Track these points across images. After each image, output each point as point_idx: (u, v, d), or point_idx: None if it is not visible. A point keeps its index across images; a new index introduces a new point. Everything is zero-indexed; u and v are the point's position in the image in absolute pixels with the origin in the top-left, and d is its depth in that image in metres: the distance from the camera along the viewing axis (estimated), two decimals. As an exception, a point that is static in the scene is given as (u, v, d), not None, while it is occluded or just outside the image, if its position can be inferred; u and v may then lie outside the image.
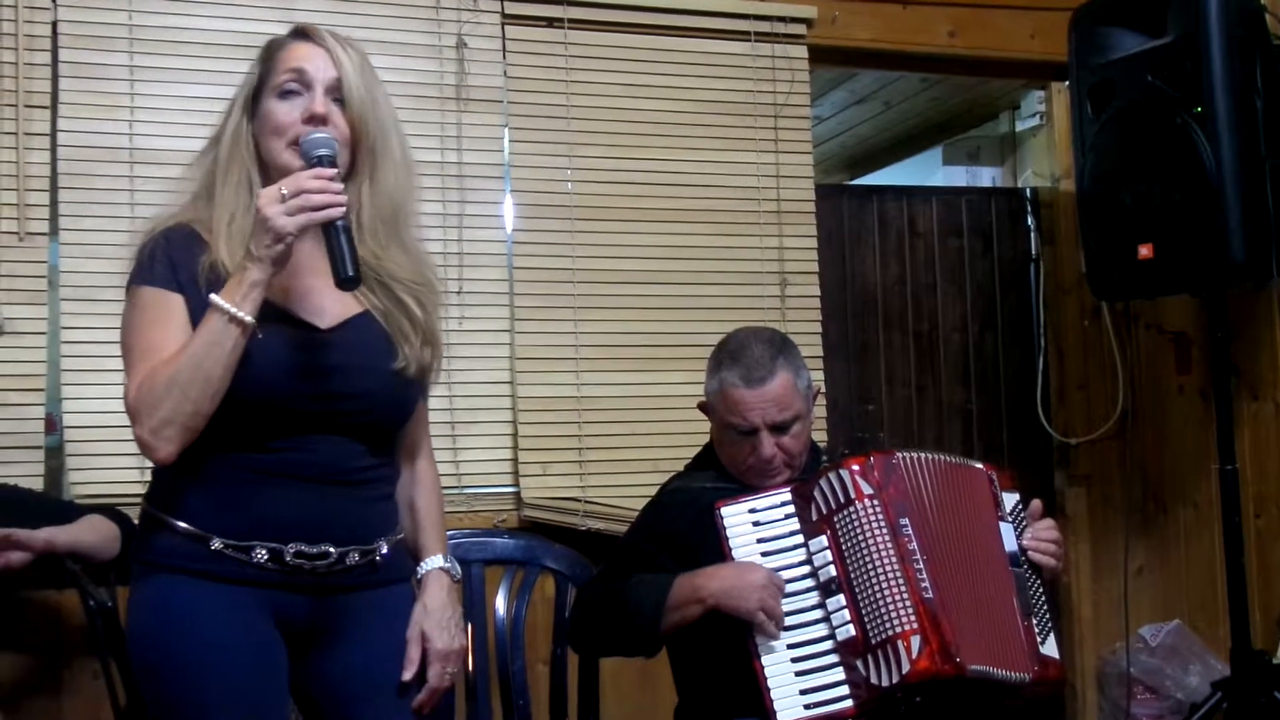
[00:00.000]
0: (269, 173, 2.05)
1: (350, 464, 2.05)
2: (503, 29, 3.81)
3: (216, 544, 1.97)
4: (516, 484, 3.71)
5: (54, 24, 3.40)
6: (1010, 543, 2.51)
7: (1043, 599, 2.52)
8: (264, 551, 1.98)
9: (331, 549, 2.02)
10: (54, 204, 3.38)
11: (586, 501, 3.71)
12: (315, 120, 2.01)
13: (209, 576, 1.97)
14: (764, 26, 4.04)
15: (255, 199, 1.99)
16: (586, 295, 3.81)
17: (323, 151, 1.97)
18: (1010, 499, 2.57)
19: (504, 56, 3.81)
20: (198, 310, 1.95)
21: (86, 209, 3.39)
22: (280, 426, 1.98)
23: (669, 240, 3.91)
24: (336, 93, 2.05)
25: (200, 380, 1.89)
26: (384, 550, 2.10)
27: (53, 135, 3.37)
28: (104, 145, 3.41)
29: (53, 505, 3.05)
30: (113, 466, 3.34)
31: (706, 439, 2.78)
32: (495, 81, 3.79)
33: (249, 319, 1.90)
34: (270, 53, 2.10)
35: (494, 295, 3.73)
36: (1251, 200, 3.42)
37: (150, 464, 2.04)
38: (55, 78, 3.39)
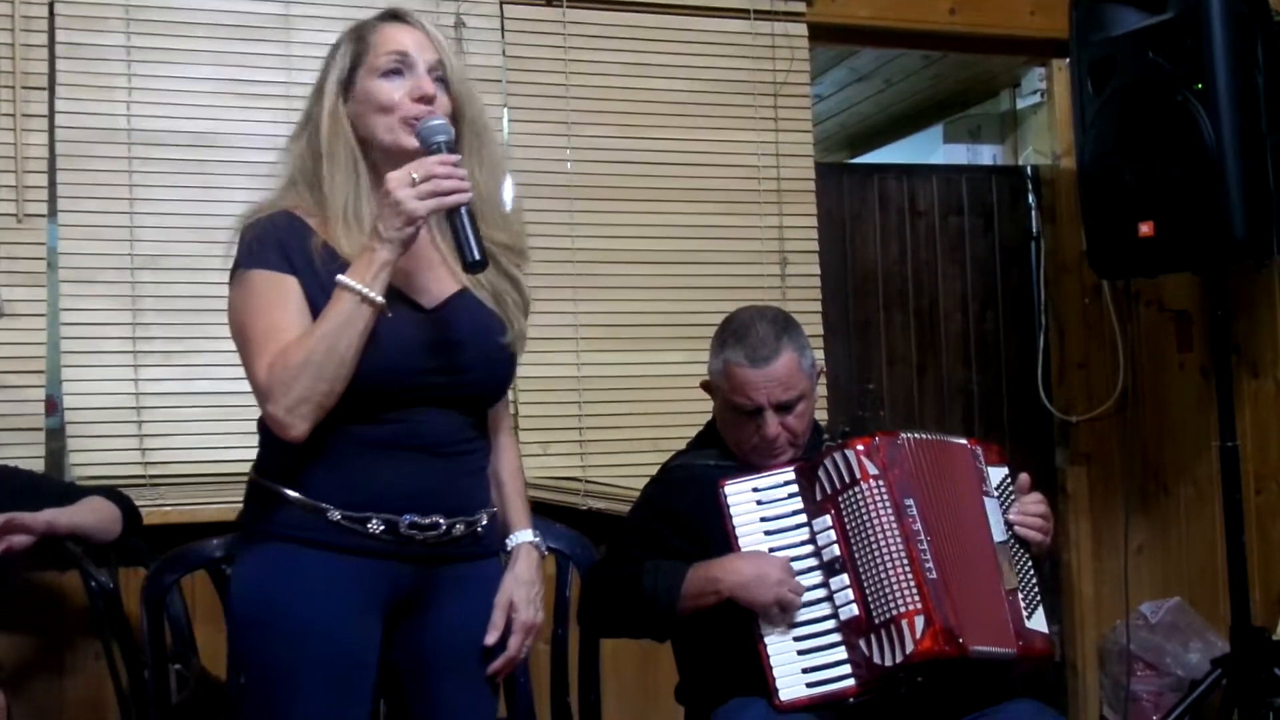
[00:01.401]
0: (370, 152, 2.08)
1: (456, 435, 2.10)
2: (501, 9, 3.79)
3: (335, 515, 2.00)
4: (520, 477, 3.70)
5: (51, 5, 3.39)
6: (995, 517, 2.50)
7: (1030, 573, 2.52)
8: (380, 523, 2.01)
9: (442, 520, 2.05)
10: (52, 186, 3.37)
11: (587, 481, 3.71)
12: (425, 100, 2.05)
13: (327, 546, 2.00)
14: (763, 4, 4.02)
15: (361, 182, 2.05)
16: (586, 275, 3.81)
17: (441, 137, 2.01)
18: (998, 473, 2.57)
19: (502, 36, 3.79)
20: (314, 291, 1.99)
21: (85, 190, 3.39)
22: (396, 401, 2.03)
23: (669, 220, 3.90)
24: (437, 73, 2.09)
25: (335, 360, 1.92)
26: (484, 522, 2.15)
27: (50, 117, 3.37)
28: (101, 127, 3.41)
29: (54, 487, 3.05)
30: (113, 448, 3.36)
31: (707, 418, 2.78)
32: (494, 61, 3.77)
33: (380, 299, 1.93)
34: (362, 34, 2.12)
35: (494, 275, 3.72)
36: (1252, 178, 3.41)
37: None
38: (52, 59, 3.38)
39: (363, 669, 2.05)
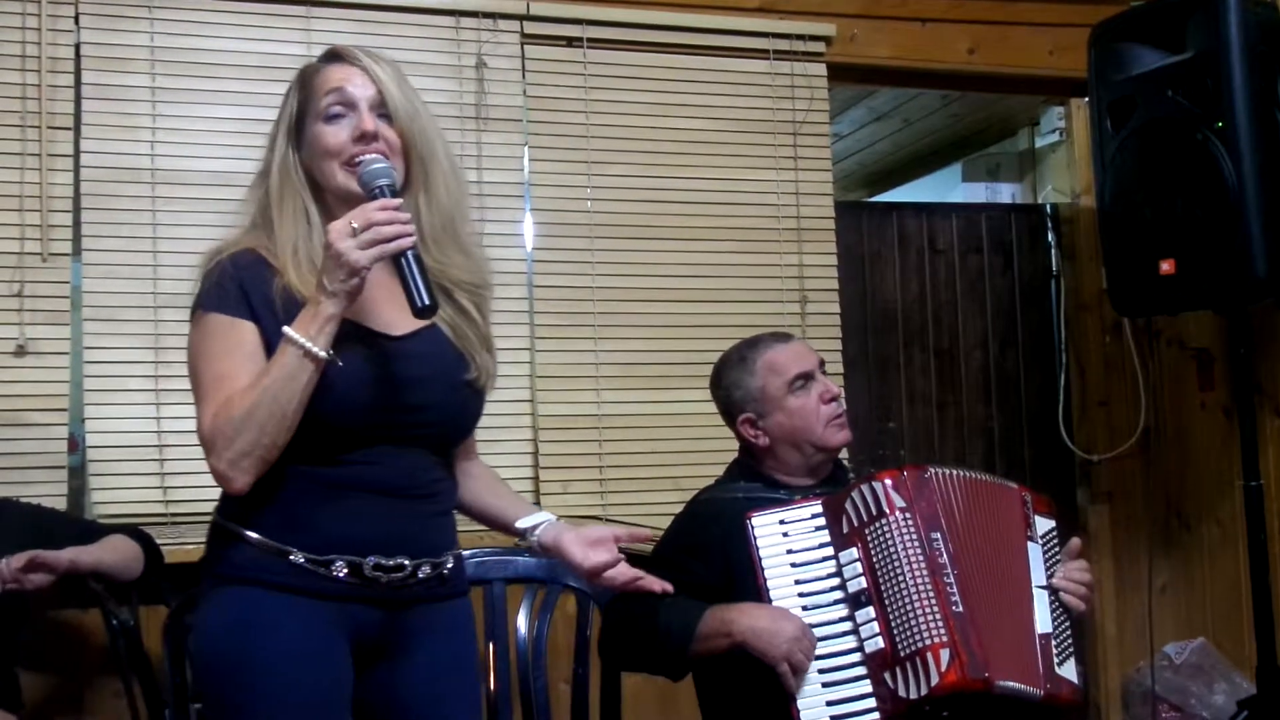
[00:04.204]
0: (324, 197, 2.07)
1: (421, 476, 2.07)
2: (522, 49, 3.82)
3: (297, 557, 1.97)
4: (537, 502, 3.70)
5: (77, 46, 3.42)
6: (1037, 563, 2.50)
7: (1065, 623, 2.51)
8: (343, 565, 1.98)
9: (407, 561, 2.03)
10: (76, 224, 3.40)
11: (607, 519, 3.70)
12: (366, 138, 2.02)
13: (289, 589, 1.97)
14: (783, 45, 4.05)
15: (313, 227, 2.03)
16: (606, 313, 3.82)
17: (383, 181, 1.98)
18: (1044, 524, 2.57)
19: (523, 76, 3.82)
20: (273, 335, 1.96)
21: (109, 229, 3.42)
22: (355, 440, 2.00)
23: (688, 258, 3.91)
24: (380, 109, 2.06)
25: (277, 415, 1.90)
26: (450, 564, 2.12)
27: (75, 156, 3.40)
28: (126, 166, 3.44)
29: (76, 525, 3.06)
30: (134, 486, 3.36)
31: (727, 456, 2.80)
32: (515, 101, 3.80)
33: (323, 354, 1.90)
34: (306, 79, 2.10)
35: (514, 313, 3.72)
36: (1273, 215, 3.40)
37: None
38: (78, 99, 3.41)
39: (338, 707, 2.01)
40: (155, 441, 3.38)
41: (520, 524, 2.23)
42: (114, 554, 2.87)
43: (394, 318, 2.06)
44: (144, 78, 3.47)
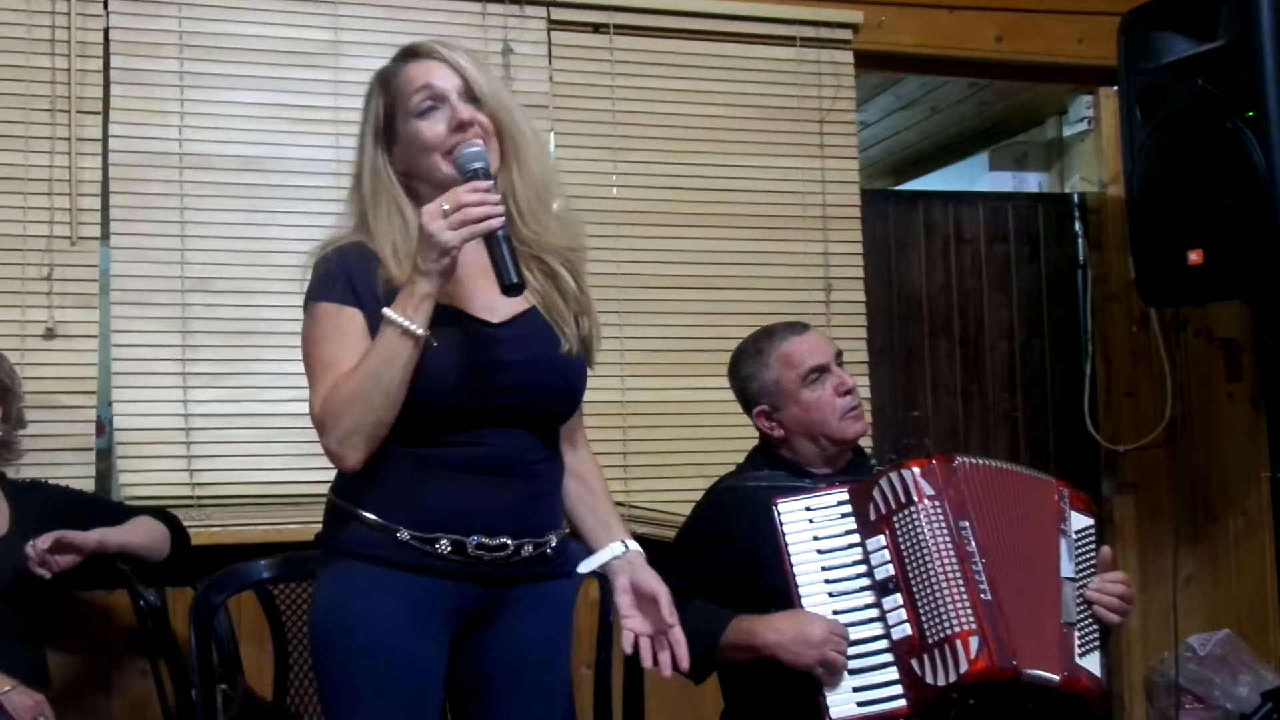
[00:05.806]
0: (417, 194, 2.11)
1: (526, 456, 2.11)
2: (548, 35, 3.82)
3: (403, 534, 2.03)
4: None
5: (106, 30, 3.44)
6: (1066, 555, 2.50)
7: (1090, 616, 2.51)
8: (447, 543, 2.04)
9: (509, 541, 2.07)
10: (105, 208, 3.41)
11: (631, 506, 3.71)
12: (463, 126, 2.07)
13: (396, 565, 2.04)
14: (809, 31, 4.03)
15: (408, 222, 2.08)
16: (631, 300, 3.81)
17: (477, 164, 2.02)
18: (1080, 520, 2.57)
19: (549, 62, 3.82)
20: (377, 320, 2.01)
21: (137, 213, 3.43)
22: (458, 422, 2.05)
23: (714, 245, 3.91)
24: (469, 96, 2.10)
25: (380, 392, 1.96)
26: (553, 543, 2.15)
27: (104, 140, 3.41)
28: (154, 150, 3.45)
29: (104, 506, 3.09)
30: (161, 469, 3.38)
31: (751, 444, 2.80)
32: (541, 87, 3.80)
33: (421, 331, 1.96)
34: (388, 81, 2.15)
35: (539, 300, 3.73)
36: (1304, 205, 3.38)
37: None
38: (107, 83, 3.43)
39: (428, 689, 2.06)
40: (182, 425, 3.40)
41: (582, 568, 2.23)
42: (141, 535, 2.89)
43: (494, 302, 2.10)
44: (173, 62, 3.48)
